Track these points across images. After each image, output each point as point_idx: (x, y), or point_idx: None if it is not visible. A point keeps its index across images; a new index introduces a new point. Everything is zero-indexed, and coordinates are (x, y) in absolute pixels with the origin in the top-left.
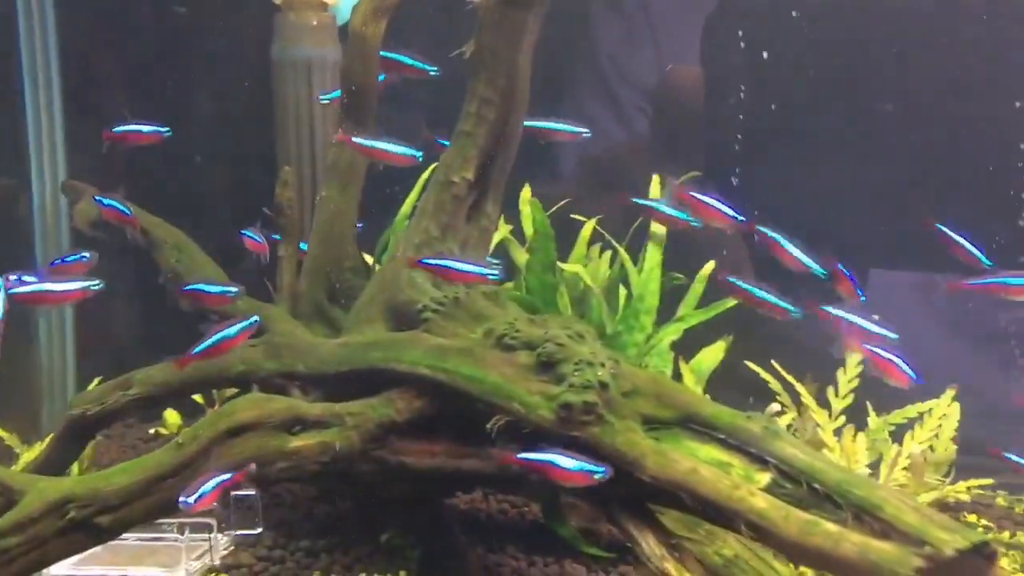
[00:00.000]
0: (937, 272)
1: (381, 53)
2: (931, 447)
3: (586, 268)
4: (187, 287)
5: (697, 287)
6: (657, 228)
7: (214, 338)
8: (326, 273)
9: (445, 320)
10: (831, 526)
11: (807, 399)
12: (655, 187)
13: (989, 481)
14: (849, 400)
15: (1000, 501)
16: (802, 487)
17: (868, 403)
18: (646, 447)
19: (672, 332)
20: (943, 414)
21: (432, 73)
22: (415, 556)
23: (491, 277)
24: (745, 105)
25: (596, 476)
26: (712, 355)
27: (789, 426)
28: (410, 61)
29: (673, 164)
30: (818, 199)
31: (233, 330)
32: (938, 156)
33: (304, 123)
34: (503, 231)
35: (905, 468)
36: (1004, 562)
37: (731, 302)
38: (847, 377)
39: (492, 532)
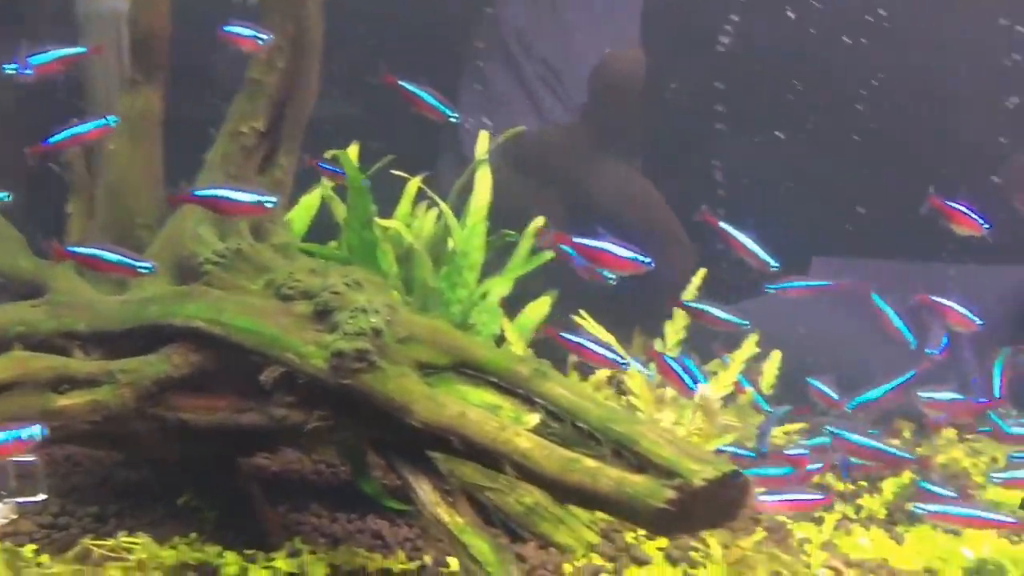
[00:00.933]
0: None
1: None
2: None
3: (411, 226)
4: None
5: (525, 243)
6: (482, 183)
7: None
8: (116, 230)
9: (227, 273)
10: (590, 462)
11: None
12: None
13: (804, 425)
14: (675, 353)
15: None
16: (567, 426)
17: (695, 354)
18: (417, 393)
19: (499, 288)
20: (745, 360)
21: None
22: (211, 518)
23: (267, 205)
24: (689, 90)
25: None
26: (537, 310)
27: (611, 378)
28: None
29: (610, 151)
30: (763, 186)
31: None
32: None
33: (113, 77)
34: (325, 187)
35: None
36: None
37: (550, 254)
38: (674, 328)
39: (302, 492)
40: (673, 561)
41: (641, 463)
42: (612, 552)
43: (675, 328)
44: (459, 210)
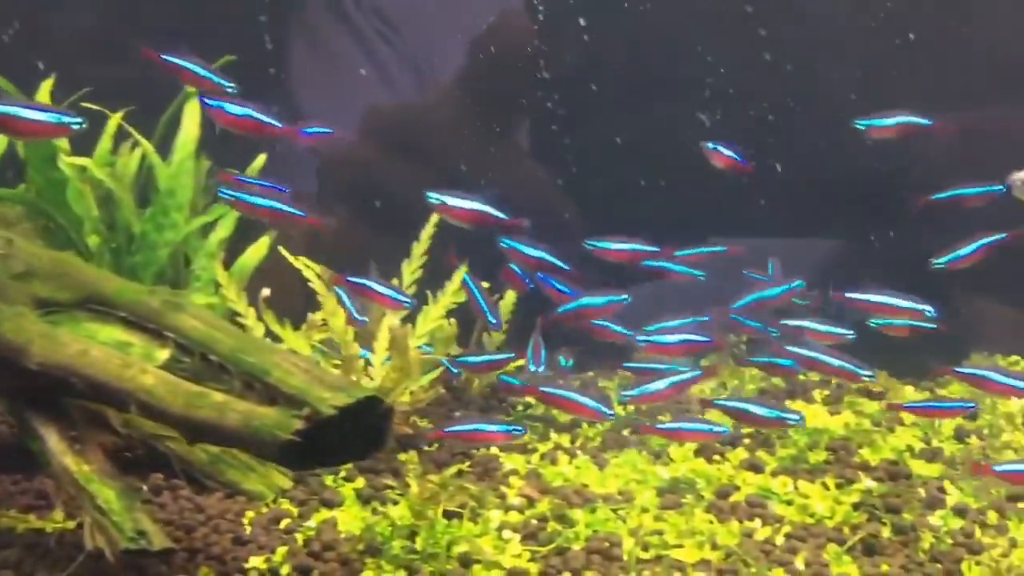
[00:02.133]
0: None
1: None
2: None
3: (113, 165)
4: None
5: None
6: (190, 116)
7: None
8: None
9: None
10: (218, 396)
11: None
12: None
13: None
14: (414, 289)
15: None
16: (197, 359)
17: (428, 292)
18: (34, 332)
19: (220, 231)
20: (453, 293)
21: None
22: None
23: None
24: (582, 61)
25: None
26: (255, 253)
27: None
28: None
29: (493, 128)
30: (656, 163)
31: None
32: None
33: None
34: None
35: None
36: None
37: None
38: (411, 267)
39: None
40: (365, 500)
41: (272, 394)
42: (304, 496)
43: (411, 268)
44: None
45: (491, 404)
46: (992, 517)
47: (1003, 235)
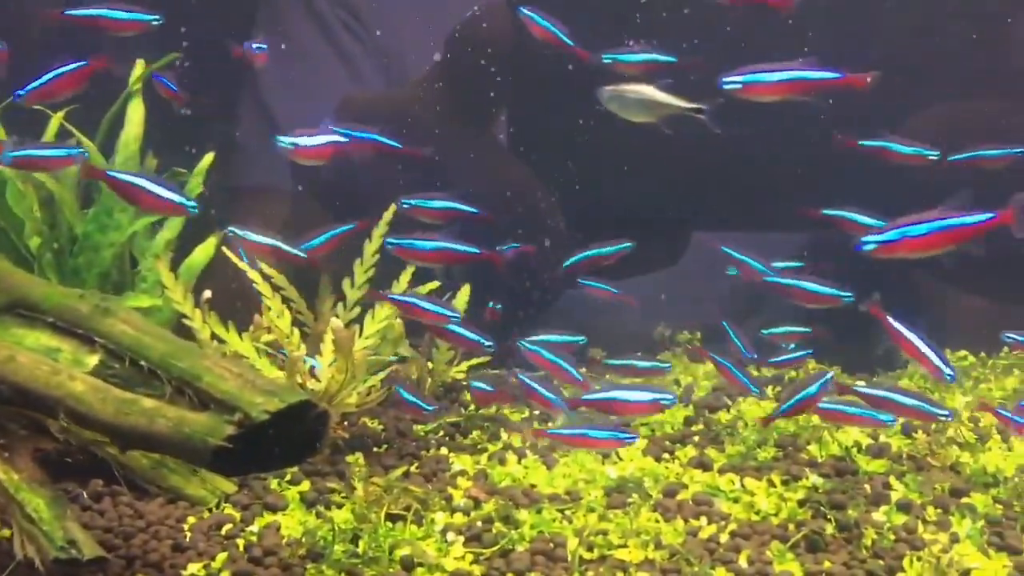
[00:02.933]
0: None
1: None
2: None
3: None
4: None
5: (196, 180)
6: (134, 114)
7: None
8: None
9: None
10: (149, 403)
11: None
12: None
13: (485, 359)
14: (363, 291)
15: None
16: (127, 365)
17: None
18: None
19: (167, 231)
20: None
21: None
22: None
23: None
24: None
25: None
26: (204, 252)
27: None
28: None
29: (471, 121)
30: (635, 156)
31: None
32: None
33: None
34: None
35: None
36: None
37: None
38: (363, 268)
39: None
40: (309, 504)
41: (203, 400)
42: (248, 501)
43: (362, 268)
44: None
45: (444, 404)
46: (932, 513)
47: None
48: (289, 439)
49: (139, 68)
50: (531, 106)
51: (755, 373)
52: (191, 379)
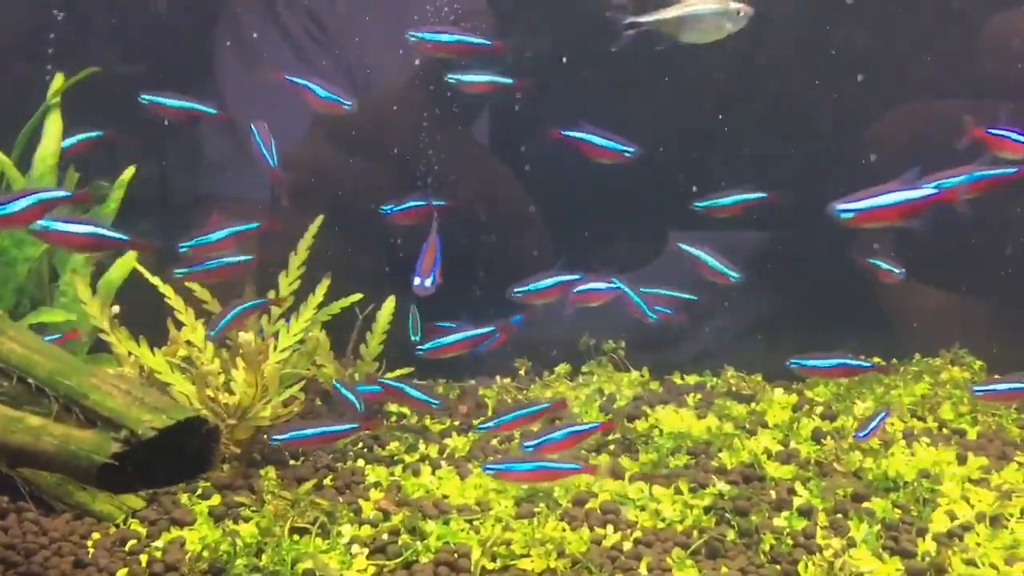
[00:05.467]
0: None
1: None
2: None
3: None
4: None
5: (117, 193)
6: (51, 128)
7: None
8: None
9: None
10: (35, 421)
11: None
12: None
13: (410, 369)
14: (290, 301)
15: (442, 389)
16: (15, 383)
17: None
18: None
19: None
20: (316, 307)
21: None
22: None
23: None
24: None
25: None
26: (124, 267)
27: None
28: None
29: (452, 122)
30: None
31: None
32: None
33: None
34: None
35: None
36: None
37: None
38: (287, 280)
39: None
40: (217, 518)
41: (90, 417)
42: (156, 516)
43: (288, 280)
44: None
45: (366, 414)
46: (823, 518)
47: (764, 194)
48: (181, 455)
49: (58, 82)
50: (512, 105)
51: (679, 381)
52: (78, 397)
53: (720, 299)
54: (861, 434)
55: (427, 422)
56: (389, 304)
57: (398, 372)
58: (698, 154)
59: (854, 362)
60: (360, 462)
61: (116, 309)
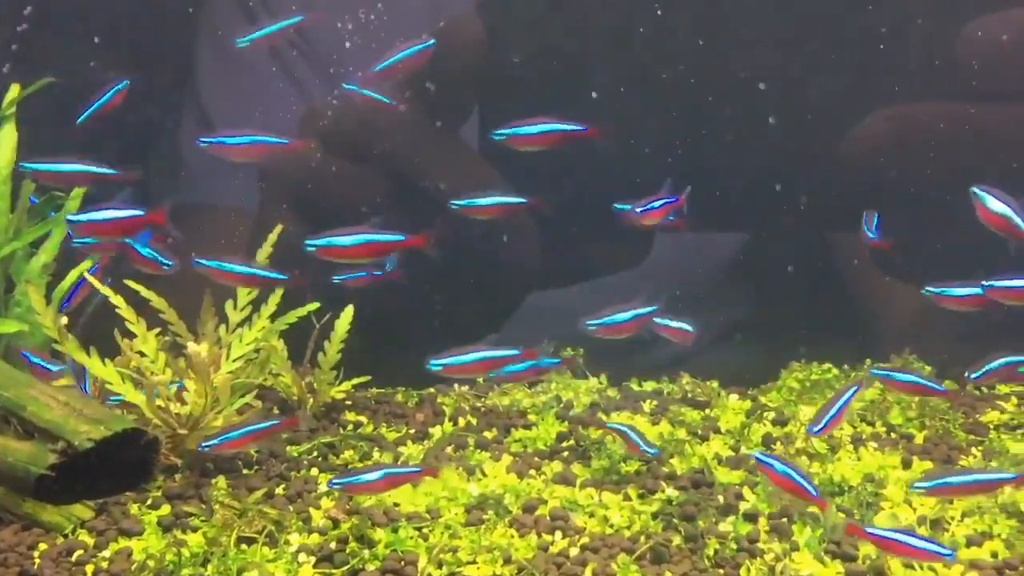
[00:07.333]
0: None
1: None
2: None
3: None
4: None
5: (72, 204)
6: (6, 140)
7: None
8: None
9: None
10: None
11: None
12: None
13: (367, 378)
14: (247, 311)
15: (401, 398)
16: None
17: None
18: None
19: (43, 255)
20: (268, 316)
21: None
22: None
23: None
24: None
25: None
26: (73, 278)
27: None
28: None
29: (444, 130)
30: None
31: None
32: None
33: None
34: None
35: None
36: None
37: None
38: (245, 289)
39: None
40: (166, 528)
41: (28, 429)
42: (104, 526)
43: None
44: None
45: (324, 424)
46: (764, 523)
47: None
48: (121, 466)
49: (13, 91)
50: (501, 111)
51: (636, 388)
52: (16, 408)
53: (693, 304)
54: (816, 428)
55: (383, 430)
56: (348, 312)
57: (356, 380)
58: (684, 153)
59: (930, 383)
60: (314, 471)
61: (64, 319)
